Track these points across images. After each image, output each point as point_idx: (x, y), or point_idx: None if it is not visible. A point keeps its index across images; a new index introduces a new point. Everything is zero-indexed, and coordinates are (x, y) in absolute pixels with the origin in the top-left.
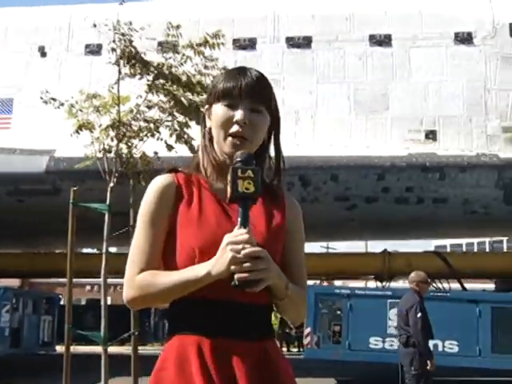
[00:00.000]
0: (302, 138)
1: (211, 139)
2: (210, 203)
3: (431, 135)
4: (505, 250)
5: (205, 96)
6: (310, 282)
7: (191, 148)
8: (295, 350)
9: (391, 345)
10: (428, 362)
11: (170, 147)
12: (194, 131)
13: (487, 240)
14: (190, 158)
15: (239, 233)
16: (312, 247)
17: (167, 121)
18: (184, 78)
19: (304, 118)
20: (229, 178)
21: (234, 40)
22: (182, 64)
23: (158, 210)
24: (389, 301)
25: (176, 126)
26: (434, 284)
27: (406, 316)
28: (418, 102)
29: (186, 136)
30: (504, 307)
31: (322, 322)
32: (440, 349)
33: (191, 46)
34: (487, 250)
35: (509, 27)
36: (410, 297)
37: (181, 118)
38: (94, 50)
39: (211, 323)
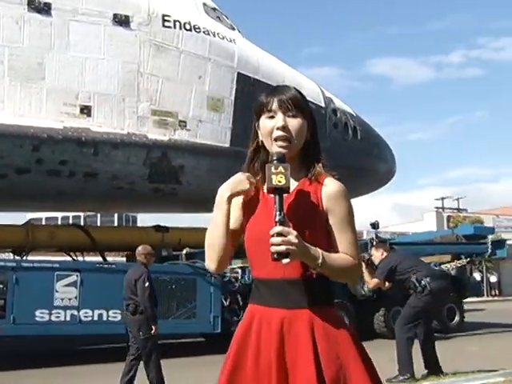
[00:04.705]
0: None
1: (264, 147)
2: (257, 201)
3: (86, 110)
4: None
5: None
6: None
7: None
8: None
9: (57, 317)
10: (153, 327)
11: None
12: None
13: (82, 214)
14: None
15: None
16: None
17: None
18: None
19: None
20: (266, 173)
21: None
22: None
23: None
24: (56, 273)
25: None
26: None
27: (134, 286)
28: (75, 77)
29: None
30: None
31: None
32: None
33: None
34: (82, 223)
35: (162, 18)
36: (137, 268)
37: None
38: None
39: (261, 295)
